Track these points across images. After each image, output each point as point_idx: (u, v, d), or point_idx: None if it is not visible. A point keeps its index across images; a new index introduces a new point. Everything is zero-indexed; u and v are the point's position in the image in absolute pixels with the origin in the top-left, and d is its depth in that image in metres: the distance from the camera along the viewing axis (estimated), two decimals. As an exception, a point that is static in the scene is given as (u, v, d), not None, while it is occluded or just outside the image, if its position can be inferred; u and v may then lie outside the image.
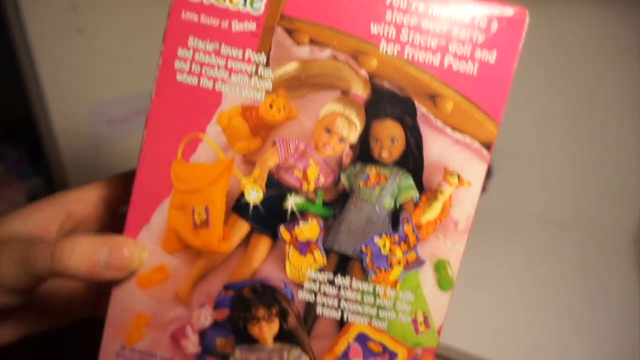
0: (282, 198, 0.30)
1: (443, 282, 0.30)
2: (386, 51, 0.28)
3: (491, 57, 0.28)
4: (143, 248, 0.30)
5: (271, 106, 0.29)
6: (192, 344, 0.31)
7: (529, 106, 0.97)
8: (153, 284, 0.30)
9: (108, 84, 0.80)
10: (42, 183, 0.94)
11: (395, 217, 0.30)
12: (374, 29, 0.28)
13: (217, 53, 0.28)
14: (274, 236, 0.30)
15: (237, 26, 0.28)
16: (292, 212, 0.30)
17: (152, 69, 0.29)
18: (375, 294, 0.30)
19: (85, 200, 0.33)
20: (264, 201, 0.30)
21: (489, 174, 1.00)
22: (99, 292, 0.34)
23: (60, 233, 0.32)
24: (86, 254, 0.28)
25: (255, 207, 0.29)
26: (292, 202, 0.29)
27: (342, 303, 0.30)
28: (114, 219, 0.34)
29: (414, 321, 0.31)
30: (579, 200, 1.02)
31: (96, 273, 0.28)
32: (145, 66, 0.77)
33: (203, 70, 0.28)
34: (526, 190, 1.06)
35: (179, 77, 0.28)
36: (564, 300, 0.82)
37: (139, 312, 0.31)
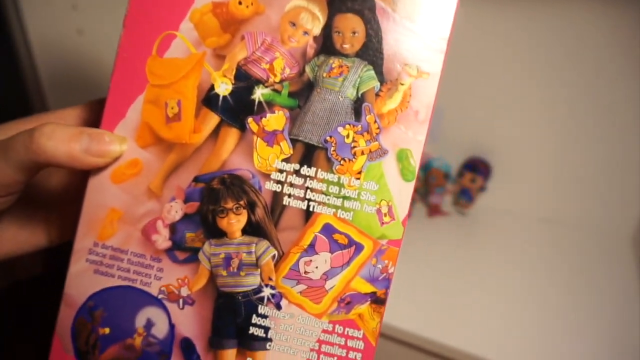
0: (250, 90, 0.31)
1: (406, 172, 0.31)
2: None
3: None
4: (124, 137, 0.31)
5: (240, 2, 0.31)
6: (162, 238, 0.31)
7: (529, 106, 0.98)
8: (126, 178, 0.31)
9: (108, 83, 0.83)
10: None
11: (358, 107, 0.31)
12: None
13: None
14: (242, 128, 0.31)
15: None
16: (260, 104, 0.31)
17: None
18: (340, 184, 0.31)
19: (63, 121, 0.35)
20: (233, 93, 0.31)
21: (488, 174, 1.03)
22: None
23: None
24: (66, 137, 0.29)
25: (224, 99, 0.31)
26: (259, 93, 0.31)
27: (308, 194, 0.31)
28: None
29: (379, 212, 0.31)
30: (579, 201, 1.02)
31: (76, 158, 0.29)
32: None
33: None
34: (526, 190, 1.06)
35: None
36: (563, 300, 0.83)
37: (112, 206, 0.31)
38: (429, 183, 1.05)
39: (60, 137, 0.29)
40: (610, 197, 0.99)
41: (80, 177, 0.33)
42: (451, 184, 1.07)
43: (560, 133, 0.98)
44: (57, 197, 0.36)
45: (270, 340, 0.31)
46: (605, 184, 0.98)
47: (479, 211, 1.08)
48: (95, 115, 0.34)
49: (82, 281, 0.32)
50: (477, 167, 1.03)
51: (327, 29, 0.31)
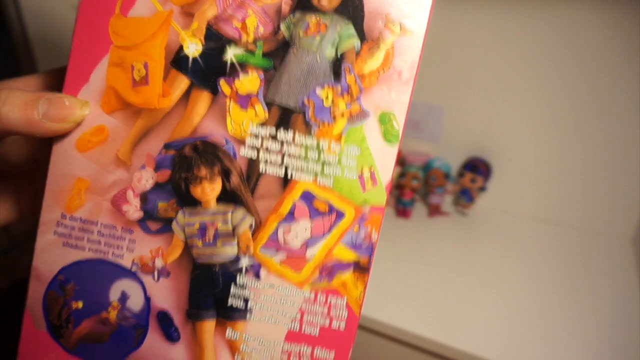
0: (222, 50, 0.29)
1: (389, 135, 0.30)
2: None
3: None
4: (85, 101, 0.29)
5: (207, -45, 0.28)
6: (133, 208, 0.30)
7: (529, 107, 0.97)
8: (92, 145, 0.30)
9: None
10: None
11: (337, 68, 0.29)
12: None
13: None
14: (214, 91, 0.29)
15: None
16: (232, 65, 0.29)
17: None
18: (319, 149, 0.29)
19: (25, 88, 0.32)
20: (203, 54, 0.29)
21: (488, 174, 1.03)
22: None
23: None
24: (23, 102, 0.27)
25: (194, 60, 0.29)
26: (231, 53, 0.29)
27: (286, 159, 0.29)
28: None
29: (361, 177, 0.30)
30: (579, 201, 1.02)
31: (34, 123, 0.27)
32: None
33: None
34: (526, 190, 1.06)
35: None
36: (563, 301, 0.82)
37: (78, 176, 0.30)
38: (429, 183, 1.04)
39: (15, 102, 0.27)
40: (610, 198, 0.99)
41: (46, 147, 0.31)
42: (451, 184, 1.06)
43: (560, 133, 0.98)
44: (24, 169, 0.34)
45: (250, 310, 0.30)
46: (606, 184, 0.98)
47: (479, 211, 1.08)
48: (59, 83, 0.32)
49: (50, 254, 0.30)
50: (478, 168, 1.03)
51: (303, -17, 0.29)
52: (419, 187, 1.04)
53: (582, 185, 1.00)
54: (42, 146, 0.34)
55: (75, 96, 0.29)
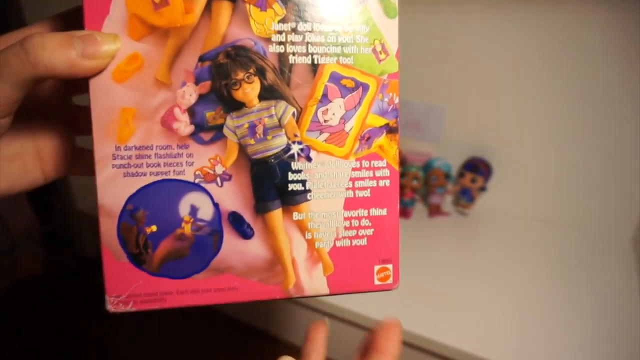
0: (230, -41, 0.31)
1: (388, 10, 0.34)
2: None
3: None
4: (115, 34, 0.30)
5: None
6: (183, 124, 0.32)
7: (530, 107, 0.98)
8: (129, 74, 0.31)
9: None
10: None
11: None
12: None
13: None
14: (233, -2, 0.32)
15: None
16: (243, -29, 0.32)
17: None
18: (335, 33, 0.33)
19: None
20: (214, -34, 0.31)
21: (488, 174, 1.03)
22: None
23: None
24: (60, 44, 0.28)
25: (207, -27, 0.31)
26: (239, -40, 0.31)
27: (310, 48, 0.33)
28: None
29: (374, 51, 0.34)
30: (579, 201, 1.02)
31: (74, 64, 0.28)
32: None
33: None
34: (526, 190, 1.06)
35: None
36: (564, 300, 0.83)
37: (122, 106, 0.31)
38: (429, 183, 1.03)
39: (54, 45, 0.27)
40: (610, 198, 0.99)
41: (63, 97, 0.31)
42: (452, 184, 1.05)
43: (560, 133, 0.98)
44: (43, 127, 0.34)
45: (310, 190, 0.34)
46: (606, 185, 0.99)
47: (479, 211, 1.07)
48: (74, 23, 0.32)
49: (114, 188, 0.31)
50: (478, 168, 1.02)
51: None
52: (419, 187, 1.03)
53: (582, 185, 1.01)
54: (60, 97, 0.34)
55: (100, 30, 0.30)
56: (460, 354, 0.74)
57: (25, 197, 1.13)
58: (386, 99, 0.34)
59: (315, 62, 0.33)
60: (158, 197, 0.32)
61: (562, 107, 0.96)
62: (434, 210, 1.07)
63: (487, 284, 0.87)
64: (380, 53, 0.34)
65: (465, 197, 1.06)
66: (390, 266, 0.35)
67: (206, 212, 0.32)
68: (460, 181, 1.05)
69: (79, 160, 0.37)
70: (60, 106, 0.36)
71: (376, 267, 0.35)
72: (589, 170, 1.00)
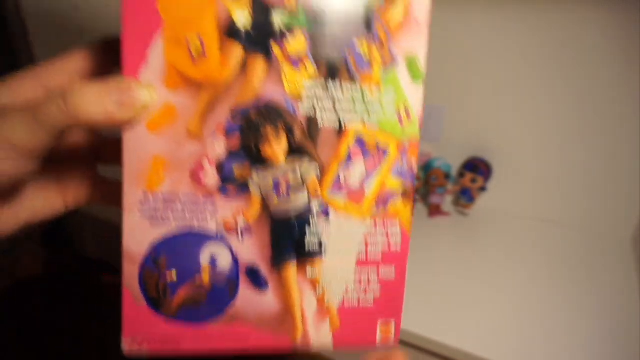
0: (268, 16, 0.32)
1: (415, 75, 0.35)
2: None
3: None
4: (151, 85, 0.30)
5: None
6: (211, 176, 0.32)
7: (530, 107, 0.98)
8: (163, 124, 0.31)
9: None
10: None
11: (368, 21, 0.34)
12: None
13: None
14: (268, 55, 0.32)
15: None
16: (279, 28, 0.32)
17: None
18: (363, 95, 0.34)
19: (58, 73, 0.33)
20: (253, 22, 0.32)
21: (489, 174, 1.04)
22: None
23: None
24: (98, 95, 0.28)
25: (245, 28, 0.32)
26: (277, 18, 0.32)
27: (337, 108, 0.33)
28: None
29: (399, 115, 0.35)
30: (579, 201, 1.03)
31: (111, 114, 0.28)
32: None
33: None
34: (526, 190, 1.06)
35: None
36: (564, 300, 0.84)
37: (154, 154, 0.31)
38: (429, 183, 1.02)
39: (93, 98, 0.28)
40: (610, 198, 1.00)
41: (89, 135, 0.32)
42: (452, 184, 1.05)
43: (560, 133, 0.98)
44: (67, 157, 0.35)
45: (325, 248, 0.34)
46: (606, 185, 0.99)
47: (479, 211, 1.07)
48: (95, 61, 0.33)
49: (139, 234, 0.32)
50: (478, 168, 1.02)
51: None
52: (419, 187, 1.03)
53: (582, 185, 1.01)
54: (85, 134, 0.34)
55: (136, 77, 0.30)
56: (460, 354, 0.74)
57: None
58: (405, 163, 0.35)
59: (342, 122, 0.34)
60: (180, 245, 0.32)
61: (562, 107, 0.97)
62: (434, 210, 1.07)
63: (487, 284, 0.87)
64: (404, 118, 0.35)
65: (465, 197, 1.06)
66: (393, 324, 0.36)
67: (225, 263, 0.33)
68: (460, 181, 1.06)
69: (100, 189, 0.37)
70: (85, 139, 0.36)
71: (379, 325, 0.36)
72: (589, 170, 1.00)
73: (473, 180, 1.04)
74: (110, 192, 0.36)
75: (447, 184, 1.06)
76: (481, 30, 0.96)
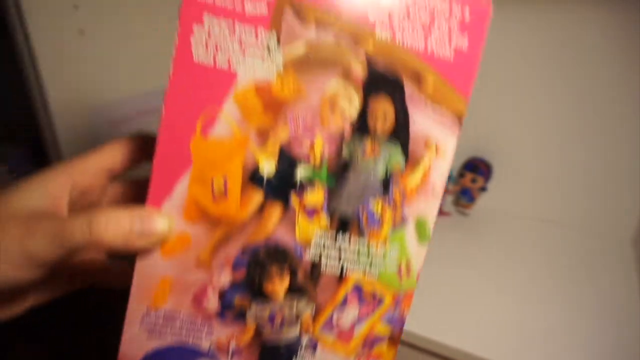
0: (293, 169, 0.34)
1: (422, 236, 0.36)
2: (381, 37, 0.33)
3: (464, 43, 0.33)
4: (170, 217, 0.33)
5: (282, 85, 0.33)
6: (212, 303, 0.35)
7: (530, 107, 0.97)
8: (176, 251, 0.34)
9: (109, 84, 0.79)
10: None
11: (386, 183, 0.35)
12: (371, 16, 0.32)
13: (232, 32, 0.31)
14: (286, 203, 0.34)
15: (249, 7, 0.31)
16: (301, 181, 0.34)
17: (154, 69, 0.32)
18: (369, 249, 0.35)
19: (88, 171, 0.35)
20: (277, 172, 0.34)
21: (489, 174, 1.05)
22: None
23: (70, 204, 0.34)
24: (122, 225, 0.30)
25: (268, 177, 0.34)
26: (301, 172, 0.34)
27: (342, 258, 0.35)
28: (112, 187, 0.37)
29: (399, 269, 0.36)
30: (579, 201, 1.02)
31: (130, 242, 0.31)
32: (146, 66, 0.77)
33: (218, 50, 0.31)
34: (526, 190, 1.06)
35: (195, 56, 0.31)
36: (564, 300, 0.84)
37: (163, 276, 0.34)
38: None
39: (116, 226, 0.30)
40: (610, 198, 0.99)
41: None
42: (452, 184, 1.04)
43: (561, 134, 0.98)
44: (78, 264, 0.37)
45: (307, 379, 0.37)
46: (606, 185, 0.99)
47: (479, 211, 1.07)
48: (115, 161, 0.35)
49: (136, 343, 0.34)
50: (478, 168, 1.01)
51: (362, 112, 0.34)
52: None
53: (582, 185, 1.01)
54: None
55: (159, 207, 0.33)
56: (460, 354, 0.74)
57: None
58: (397, 312, 0.37)
59: (344, 270, 0.36)
60: (173, 357, 0.35)
61: (562, 107, 0.97)
62: (434, 210, 1.08)
63: (487, 284, 0.87)
64: (404, 272, 0.37)
65: (466, 197, 1.06)
66: None
67: (211, 379, 0.36)
68: (461, 181, 1.05)
69: (105, 275, 0.40)
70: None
71: None
72: (589, 170, 1.00)
73: (473, 181, 1.04)
74: (114, 275, 0.39)
75: (447, 184, 1.05)
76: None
